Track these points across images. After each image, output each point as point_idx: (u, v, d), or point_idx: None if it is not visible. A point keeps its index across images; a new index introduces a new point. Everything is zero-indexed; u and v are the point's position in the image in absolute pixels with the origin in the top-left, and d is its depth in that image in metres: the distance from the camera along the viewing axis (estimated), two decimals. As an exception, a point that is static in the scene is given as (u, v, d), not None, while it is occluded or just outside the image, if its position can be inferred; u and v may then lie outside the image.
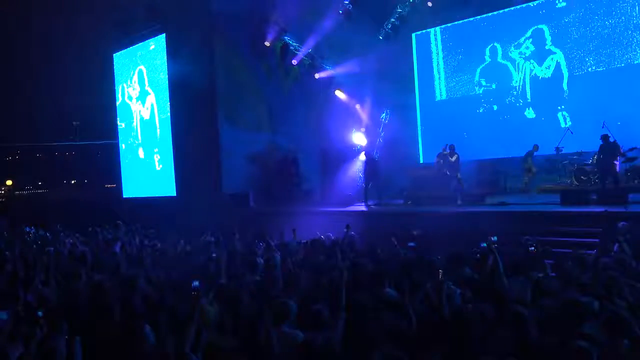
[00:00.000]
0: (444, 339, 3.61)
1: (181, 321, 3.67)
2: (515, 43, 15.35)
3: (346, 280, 5.11)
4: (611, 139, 11.32)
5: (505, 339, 3.49)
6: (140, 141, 19.74)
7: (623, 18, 13.55)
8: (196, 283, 3.95)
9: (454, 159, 12.86)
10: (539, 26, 14.92)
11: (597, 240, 7.68)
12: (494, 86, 15.96)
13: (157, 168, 18.76)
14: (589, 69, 14.11)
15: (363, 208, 13.54)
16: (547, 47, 14.82)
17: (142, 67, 19.42)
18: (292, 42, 16.80)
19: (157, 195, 18.48)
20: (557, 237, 8.57)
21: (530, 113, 15.25)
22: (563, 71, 14.57)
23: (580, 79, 14.26)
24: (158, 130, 18.69)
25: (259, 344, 3.63)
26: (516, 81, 15.44)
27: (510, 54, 15.52)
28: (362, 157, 15.92)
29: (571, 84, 14.42)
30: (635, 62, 13.39)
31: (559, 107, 14.63)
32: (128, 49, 19.98)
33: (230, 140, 16.23)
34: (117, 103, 20.81)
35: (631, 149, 11.95)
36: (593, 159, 12.34)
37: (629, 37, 13.49)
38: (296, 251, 7.31)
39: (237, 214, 14.30)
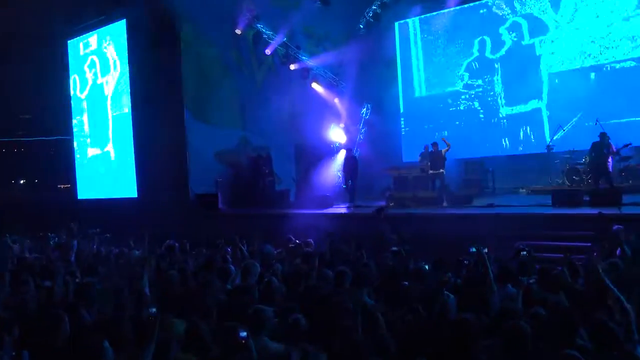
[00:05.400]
0: (429, 347, 3.64)
1: (139, 335, 3.62)
2: (502, 37, 15.59)
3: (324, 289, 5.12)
4: (605, 136, 11.55)
5: (494, 347, 3.52)
6: (95, 137, 19.40)
7: (611, 12, 13.90)
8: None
9: (442, 152, 12.81)
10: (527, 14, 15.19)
11: (589, 244, 7.79)
12: (480, 82, 16.14)
13: (112, 161, 18.50)
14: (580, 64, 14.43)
15: (343, 210, 13.51)
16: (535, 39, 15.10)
17: (96, 56, 19.10)
18: (266, 30, 16.72)
19: (116, 197, 18.20)
20: (548, 241, 8.69)
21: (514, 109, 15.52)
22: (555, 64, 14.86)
23: (574, 73, 14.55)
24: (111, 126, 18.40)
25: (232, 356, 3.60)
26: (502, 74, 15.67)
27: (497, 45, 15.73)
28: (342, 155, 15.94)
29: (562, 78, 14.70)
30: (623, 57, 13.71)
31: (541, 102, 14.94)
32: (83, 35, 19.62)
33: (197, 136, 16.05)
34: (71, 95, 20.42)
35: (625, 146, 12.17)
36: (585, 158, 12.55)
37: (616, 32, 13.83)
38: (272, 258, 7.24)
39: (205, 216, 14.19)
